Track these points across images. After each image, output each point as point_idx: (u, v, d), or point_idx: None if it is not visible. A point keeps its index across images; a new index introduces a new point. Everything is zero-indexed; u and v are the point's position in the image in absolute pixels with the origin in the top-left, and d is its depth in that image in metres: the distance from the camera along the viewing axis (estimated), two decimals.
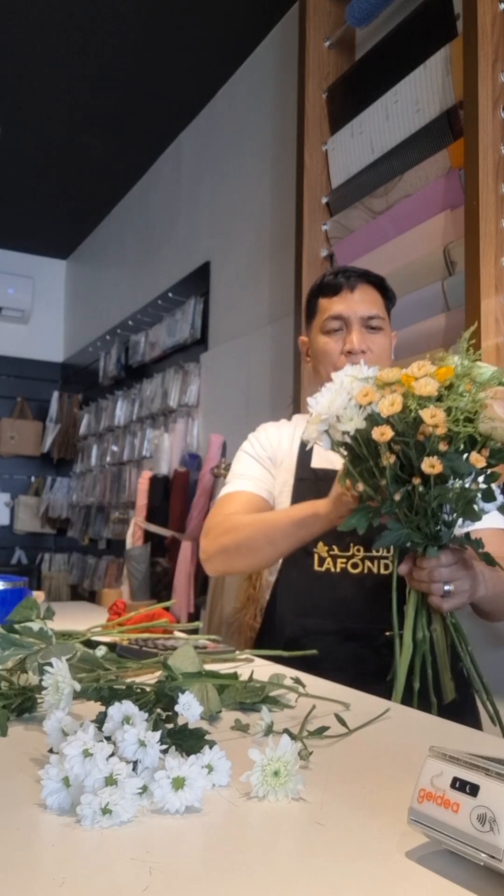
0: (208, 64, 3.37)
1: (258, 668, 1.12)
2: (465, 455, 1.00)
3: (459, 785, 0.50)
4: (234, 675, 0.92)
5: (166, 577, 3.45)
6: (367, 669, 1.29)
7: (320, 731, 0.78)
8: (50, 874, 0.48)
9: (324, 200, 2.51)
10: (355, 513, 1.08)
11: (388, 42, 2.28)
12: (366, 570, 1.37)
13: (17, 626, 1.01)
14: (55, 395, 5.58)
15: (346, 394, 1.06)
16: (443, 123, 2.03)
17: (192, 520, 3.30)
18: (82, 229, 5.31)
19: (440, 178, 2.03)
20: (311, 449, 1.49)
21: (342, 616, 1.36)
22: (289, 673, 1.04)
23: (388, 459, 1.01)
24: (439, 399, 1.00)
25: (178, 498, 3.44)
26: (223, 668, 1.11)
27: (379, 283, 1.50)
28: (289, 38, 2.93)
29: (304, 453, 1.50)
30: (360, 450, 1.05)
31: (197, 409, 3.62)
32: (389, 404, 0.99)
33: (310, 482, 1.45)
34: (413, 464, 1.01)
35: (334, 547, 1.38)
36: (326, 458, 1.45)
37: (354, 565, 1.37)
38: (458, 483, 1.02)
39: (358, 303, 1.45)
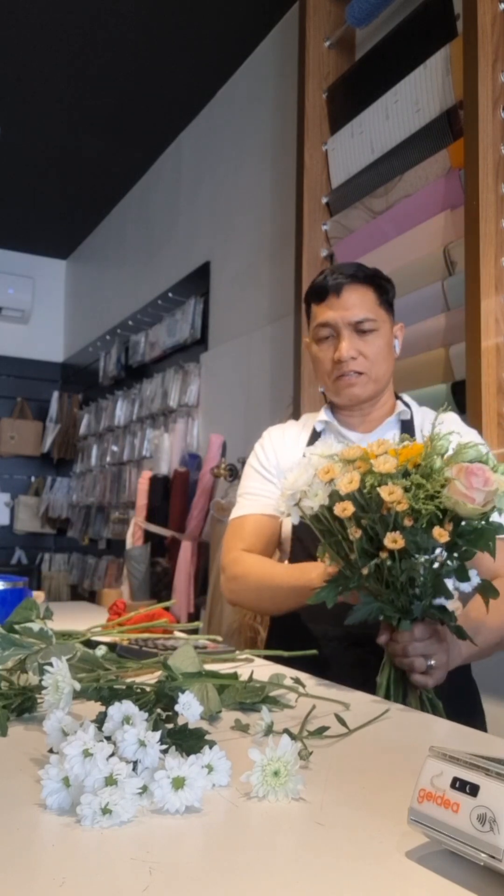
0: (208, 64, 3.37)
1: (260, 669, 1.12)
2: (433, 527, 1.00)
3: (459, 785, 0.50)
4: (234, 675, 0.92)
5: (166, 577, 3.45)
6: (374, 675, 1.28)
7: (320, 731, 0.78)
8: (50, 874, 0.48)
9: (324, 200, 2.51)
10: (325, 586, 1.08)
11: (388, 42, 2.28)
12: None
13: (17, 627, 1.01)
14: (55, 395, 5.58)
15: (312, 470, 1.07)
16: (443, 123, 2.03)
17: (192, 520, 3.30)
18: (82, 229, 5.32)
19: (440, 178, 2.03)
20: None
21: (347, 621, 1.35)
22: (290, 673, 1.04)
23: (355, 534, 1.02)
24: (407, 474, 1.01)
25: (178, 498, 3.44)
26: (223, 668, 1.11)
27: (371, 279, 1.42)
28: (289, 38, 2.93)
29: None
30: (328, 524, 1.06)
31: (197, 409, 3.62)
32: (348, 482, 1.00)
33: None
34: (380, 537, 1.01)
35: None
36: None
37: None
38: (423, 558, 1.02)
39: (345, 308, 1.38)
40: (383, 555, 1.00)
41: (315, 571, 1.25)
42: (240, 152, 3.39)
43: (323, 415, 1.50)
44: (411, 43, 2.18)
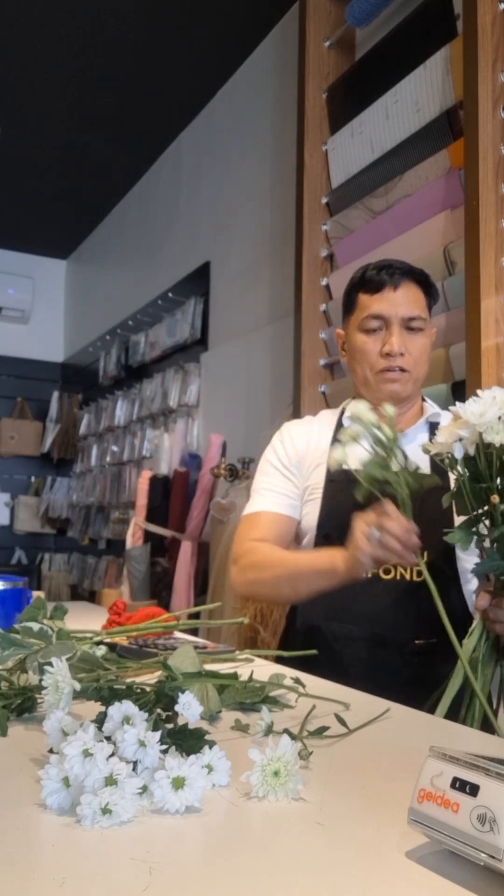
0: (208, 64, 3.37)
1: (261, 669, 1.12)
2: None
3: (459, 785, 0.50)
4: (234, 675, 0.92)
5: (166, 577, 3.45)
6: (398, 678, 1.26)
7: (320, 731, 0.78)
8: (50, 874, 0.48)
9: (324, 200, 2.51)
10: (461, 527, 1.07)
11: (388, 42, 2.28)
12: (398, 576, 1.32)
13: (17, 627, 1.01)
14: (55, 395, 5.57)
15: (497, 408, 1.06)
16: (443, 123, 2.03)
17: (192, 520, 3.30)
18: (82, 229, 5.31)
19: (440, 178, 2.03)
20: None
21: (372, 622, 1.32)
22: (292, 674, 1.04)
23: None
24: None
25: (178, 498, 3.44)
26: (223, 668, 1.11)
27: (423, 280, 1.42)
28: (289, 38, 2.93)
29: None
30: (485, 469, 1.05)
31: (197, 409, 3.62)
32: None
33: (340, 483, 1.39)
34: None
35: None
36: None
37: (386, 570, 1.32)
38: None
39: (400, 303, 1.38)
40: None
41: (340, 554, 1.23)
42: (240, 152, 3.39)
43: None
44: (411, 43, 2.18)
